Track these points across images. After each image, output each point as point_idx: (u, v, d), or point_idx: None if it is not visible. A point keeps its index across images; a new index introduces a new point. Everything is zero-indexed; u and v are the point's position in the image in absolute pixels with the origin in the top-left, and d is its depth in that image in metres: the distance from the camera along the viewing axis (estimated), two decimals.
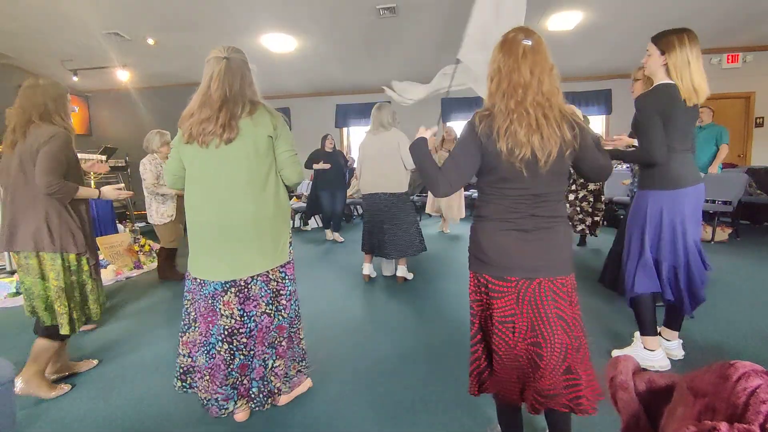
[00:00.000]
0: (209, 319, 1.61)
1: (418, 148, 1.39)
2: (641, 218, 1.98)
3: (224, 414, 1.63)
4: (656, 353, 2.05)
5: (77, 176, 2.02)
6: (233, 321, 1.60)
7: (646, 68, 1.96)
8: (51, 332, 1.96)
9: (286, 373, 1.76)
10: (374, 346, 2.40)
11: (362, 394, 1.91)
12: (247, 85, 1.62)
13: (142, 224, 6.23)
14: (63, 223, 1.92)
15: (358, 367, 2.15)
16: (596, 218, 4.33)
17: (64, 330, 1.93)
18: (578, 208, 4.34)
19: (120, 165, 6.50)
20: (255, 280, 1.62)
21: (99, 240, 4.08)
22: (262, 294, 1.63)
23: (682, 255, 1.94)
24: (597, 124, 8.21)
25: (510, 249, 1.26)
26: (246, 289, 1.61)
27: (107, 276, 3.98)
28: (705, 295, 1.99)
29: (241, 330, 1.61)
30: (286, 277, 1.71)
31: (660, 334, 2.25)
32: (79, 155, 2.22)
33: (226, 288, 1.59)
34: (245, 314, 1.62)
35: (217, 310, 1.60)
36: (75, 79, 6.67)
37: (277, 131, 1.63)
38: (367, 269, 3.69)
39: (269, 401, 1.69)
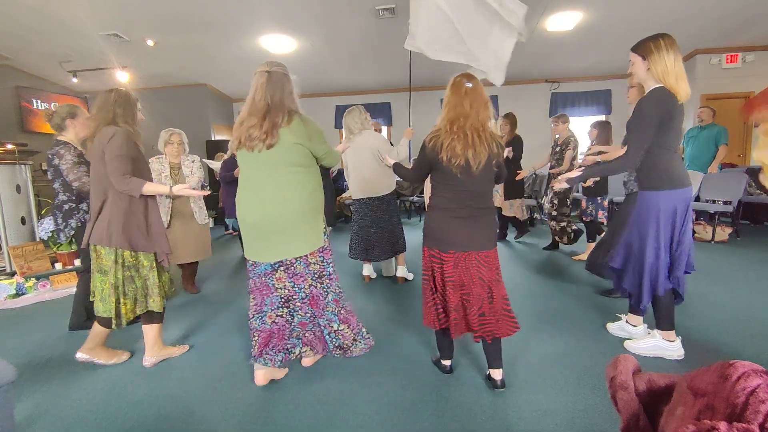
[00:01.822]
0: (264, 292, 1.98)
1: (397, 168, 2.16)
2: (654, 218, 1.99)
3: (292, 357, 2.00)
4: (676, 344, 2.13)
5: (142, 174, 2.15)
6: (287, 291, 1.98)
7: (634, 77, 2.03)
8: (100, 320, 2.19)
9: (354, 338, 2.14)
10: (374, 346, 2.40)
11: (362, 394, 1.91)
12: (286, 95, 1.85)
13: None
14: (125, 221, 2.05)
15: (358, 367, 2.15)
16: (563, 224, 4.27)
17: (114, 323, 2.13)
18: (555, 213, 4.27)
19: None
20: (298, 261, 1.96)
21: None
22: (305, 273, 1.98)
23: (687, 248, 2.04)
24: None
25: (451, 231, 1.79)
26: (292, 267, 1.96)
27: None
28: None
29: (294, 297, 1.99)
30: (325, 260, 2.03)
31: (628, 321, 2.40)
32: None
33: (275, 267, 1.95)
34: (295, 285, 1.98)
35: (271, 285, 1.97)
36: (75, 80, 6.65)
37: (312, 140, 1.90)
38: (367, 270, 3.69)
39: (341, 352, 2.14)
